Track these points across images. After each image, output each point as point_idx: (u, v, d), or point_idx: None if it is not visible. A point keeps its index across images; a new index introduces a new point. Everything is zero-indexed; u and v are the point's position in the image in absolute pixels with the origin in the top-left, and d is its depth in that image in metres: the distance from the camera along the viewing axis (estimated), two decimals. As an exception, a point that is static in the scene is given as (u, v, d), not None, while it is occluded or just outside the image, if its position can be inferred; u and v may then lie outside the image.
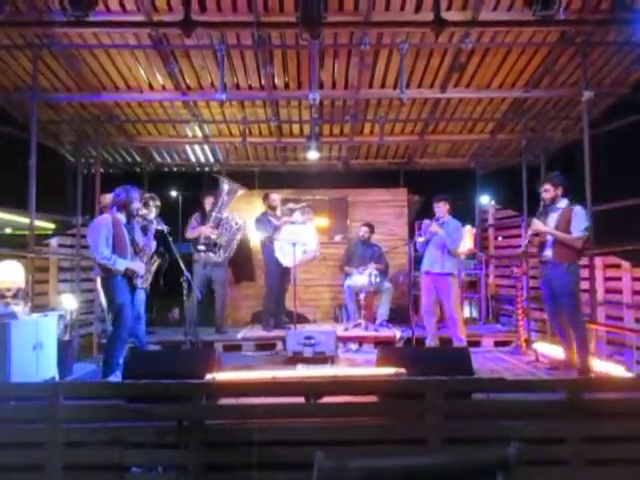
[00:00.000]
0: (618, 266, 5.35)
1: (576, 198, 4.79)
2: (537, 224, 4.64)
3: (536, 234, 4.72)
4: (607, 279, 5.46)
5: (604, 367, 4.54)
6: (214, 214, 6.24)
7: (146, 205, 4.84)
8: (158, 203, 5.05)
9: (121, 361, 4.28)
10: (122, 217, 4.42)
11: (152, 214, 4.85)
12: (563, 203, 4.63)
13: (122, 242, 4.34)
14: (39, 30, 4.86)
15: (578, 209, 4.54)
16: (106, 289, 4.39)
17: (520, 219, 7.00)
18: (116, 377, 4.09)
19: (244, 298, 7.66)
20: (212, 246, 6.09)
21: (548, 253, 4.61)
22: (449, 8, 4.78)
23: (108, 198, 4.89)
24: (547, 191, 4.67)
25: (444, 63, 5.62)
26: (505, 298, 7.36)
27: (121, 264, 4.25)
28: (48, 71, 5.56)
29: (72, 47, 5.21)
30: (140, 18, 4.75)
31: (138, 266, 4.41)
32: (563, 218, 4.54)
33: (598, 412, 2.74)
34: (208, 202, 6.43)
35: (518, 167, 6.97)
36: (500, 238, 8.00)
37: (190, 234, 6.21)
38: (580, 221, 4.47)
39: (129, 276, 4.34)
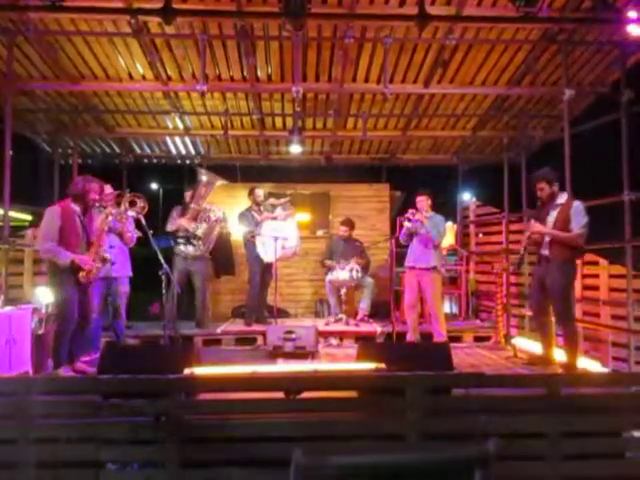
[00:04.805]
0: (596, 263, 5.43)
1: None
2: (535, 226, 4.39)
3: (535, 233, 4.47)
4: (585, 276, 5.53)
5: (581, 363, 4.59)
6: (192, 206, 6.15)
7: (133, 203, 4.69)
8: (143, 204, 4.73)
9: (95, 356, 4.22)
10: (77, 208, 4.21)
11: (133, 212, 4.70)
12: (562, 198, 4.37)
13: (71, 234, 4.12)
14: (14, 15, 4.71)
15: (576, 205, 4.25)
16: (52, 282, 4.18)
17: (501, 216, 7.06)
18: (65, 371, 3.99)
19: (224, 292, 7.59)
20: (191, 238, 6.00)
21: (545, 252, 4.36)
22: (433, 3, 4.78)
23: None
24: (542, 190, 4.39)
25: (427, 58, 5.61)
26: (485, 294, 7.43)
27: (66, 256, 4.03)
28: (24, 58, 5.41)
29: (49, 33, 5.08)
30: (119, 5, 4.63)
31: (84, 260, 4.11)
32: (561, 215, 4.27)
33: (576, 407, 2.76)
34: (188, 195, 6.35)
35: (500, 164, 7.02)
36: (481, 235, 8.06)
37: (170, 227, 6.11)
38: (579, 217, 4.19)
39: (74, 269, 4.09)
